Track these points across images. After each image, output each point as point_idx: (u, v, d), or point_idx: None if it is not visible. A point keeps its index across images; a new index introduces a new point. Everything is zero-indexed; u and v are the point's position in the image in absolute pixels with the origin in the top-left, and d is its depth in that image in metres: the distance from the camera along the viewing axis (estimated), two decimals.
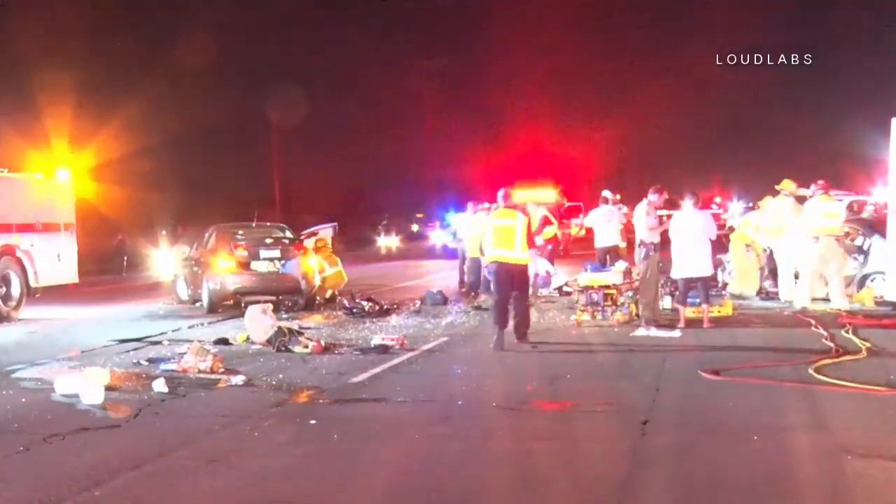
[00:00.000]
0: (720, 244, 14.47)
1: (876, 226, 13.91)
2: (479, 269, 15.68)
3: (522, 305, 10.91)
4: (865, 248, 14.00)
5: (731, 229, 16.75)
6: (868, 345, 9.66)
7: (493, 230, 10.87)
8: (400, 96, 58.07)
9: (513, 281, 10.74)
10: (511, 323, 10.78)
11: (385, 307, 14.83)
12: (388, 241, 49.32)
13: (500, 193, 11.23)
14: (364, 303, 14.81)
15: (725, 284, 15.66)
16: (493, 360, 10.00)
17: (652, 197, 12.32)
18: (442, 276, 20.39)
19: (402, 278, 22.59)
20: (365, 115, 54.45)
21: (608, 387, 8.17)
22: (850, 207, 19.10)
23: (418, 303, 15.52)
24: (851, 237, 14.29)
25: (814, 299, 13.55)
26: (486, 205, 16.02)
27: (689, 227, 11.92)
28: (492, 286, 11.29)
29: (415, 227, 54.52)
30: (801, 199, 14.30)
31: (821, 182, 13.95)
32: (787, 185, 14.56)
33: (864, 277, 13.70)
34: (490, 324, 11.11)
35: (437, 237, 36.06)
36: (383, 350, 10.45)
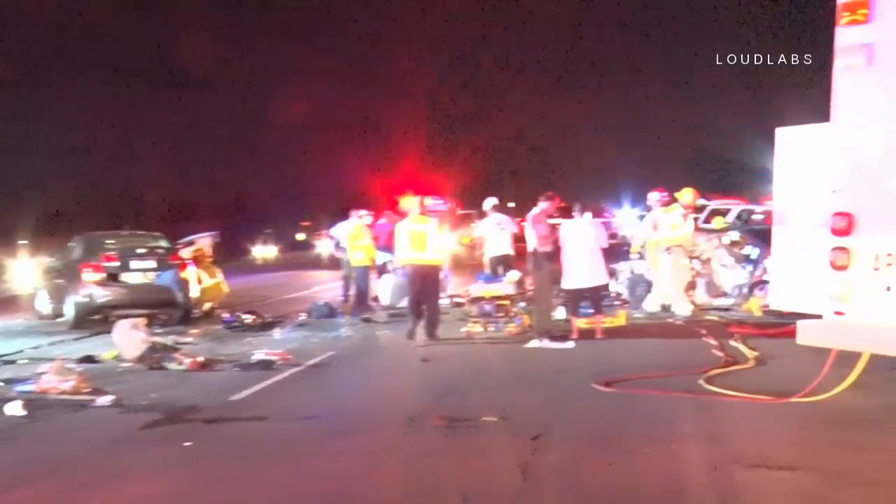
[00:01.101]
0: (613, 253, 14.86)
1: (764, 235, 14.52)
2: (365, 279, 15.62)
3: (434, 304, 12.43)
4: (754, 257, 14.67)
5: (624, 238, 17.25)
6: (756, 354, 10.09)
7: (408, 235, 12.41)
8: (292, 100, 57.56)
9: (425, 280, 12.33)
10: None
11: (268, 320, 14.59)
12: (264, 252, 48.38)
13: (415, 201, 12.74)
14: (245, 316, 14.53)
15: (619, 294, 16.10)
16: (381, 374, 9.96)
17: (543, 204, 12.51)
18: (330, 288, 20.20)
19: (288, 290, 22.28)
20: (252, 118, 53.68)
21: (500, 400, 8.24)
22: (739, 216, 19.92)
23: (304, 315, 15.32)
24: (740, 246, 14.96)
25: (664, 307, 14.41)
26: (363, 212, 16.05)
27: (580, 236, 12.17)
28: (408, 285, 12.84)
29: (301, 236, 53.85)
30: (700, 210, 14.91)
31: (664, 194, 14.83)
32: (683, 196, 14.99)
33: (753, 287, 14.31)
34: (378, 337, 11.64)
35: (324, 246, 35.71)
36: (266, 366, 10.26)
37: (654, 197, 14.94)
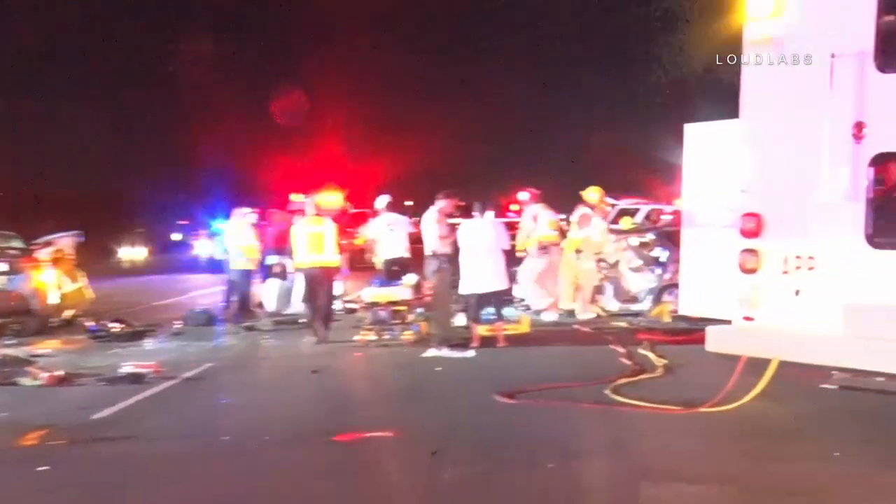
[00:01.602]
0: (515, 256, 15.06)
1: (673, 236, 14.89)
2: (246, 283, 15.36)
3: (328, 305, 13.33)
4: (663, 259, 15.06)
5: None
6: (665, 362, 10.39)
7: (305, 237, 13.11)
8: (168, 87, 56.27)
9: (323, 282, 13.16)
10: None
11: (138, 329, 14.20)
12: (133, 254, 47.06)
13: (310, 200, 13.39)
14: (112, 324, 14.11)
15: (521, 299, 16.31)
16: (266, 387, 9.84)
17: (441, 203, 12.58)
18: (210, 293, 19.82)
19: (161, 295, 21.76)
20: (118, 108, 52.18)
21: (396, 414, 8.25)
22: (647, 216, 20.39)
23: (179, 323, 14.99)
24: (649, 248, 15.36)
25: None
26: (247, 210, 15.82)
27: (480, 237, 12.23)
28: (307, 289, 13.56)
29: (177, 236, 52.58)
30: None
31: (530, 193, 15.41)
32: (588, 195, 15.34)
33: (662, 291, 14.67)
34: (262, 347, 11.88)
35: (202, 248, 34.91)
36: (135, 379, 9.99)
37: (524, 196, 15.38)
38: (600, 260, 15.19)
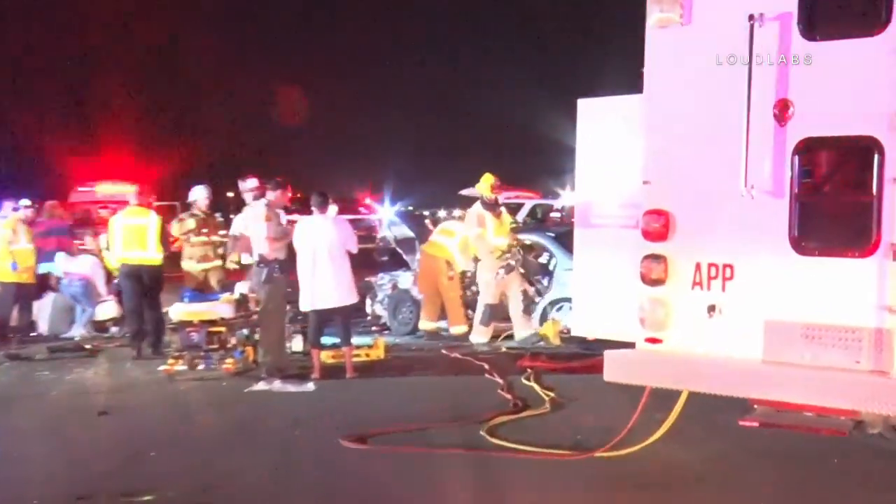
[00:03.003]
0: (370, 262, 15.07)
1: (563, 238, 14.98)
2: (14, 298, 14.90)
3: (157, 313, 13.79)
4: (552, 267, 15.30)
5: (384, 241, 17.53)
6: (552, 395, 10.57)
7: (122, 230, 13.65)
8: None
9: (144, 284, 13.63)
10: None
11: None
12: None
13: (133, 190, 13.87)
14: None
15: (378, 317, 16.32)
16: (40, 434, 9.56)
17: (271, 194, 12.45)
18: None
19: None
20: None
21: (210, 466, 8.13)
22: (532, 213, 20.63)
23: None
24: (534, 253, 15.57)
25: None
26: (27, 202, 15.41)
27: (320, 239, 12.08)
28: (123, 291, 14.12)
29: None
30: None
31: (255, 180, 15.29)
32: (480, 185, 14.86)
33: (549, 305, 14.87)
34: (35, 381, 11.50)
35: None
36: None
37: (248, 185, 14.57)
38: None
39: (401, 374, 12.55)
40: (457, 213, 15.79)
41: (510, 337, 14.76)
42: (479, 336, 14.70)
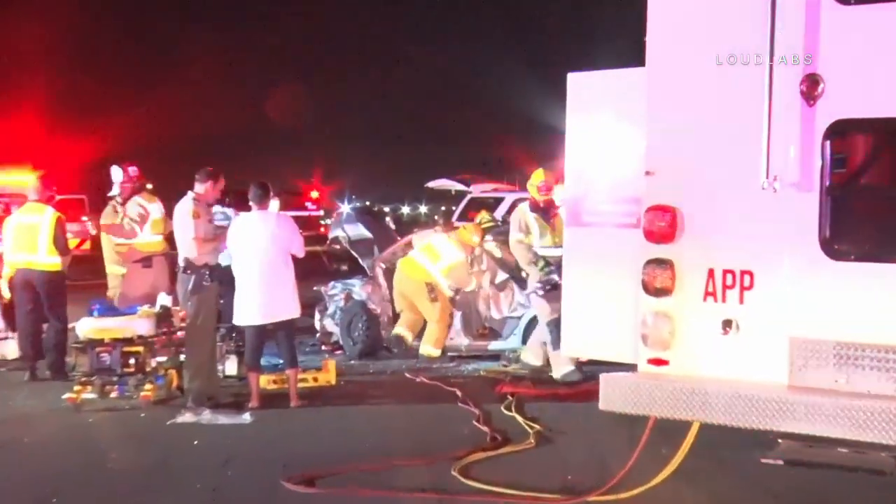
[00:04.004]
0: (320, 268, 15.04)
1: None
2: None
3: (58, 326, 13.90)
4: None
5: (336, 241, 17.50)
6: (538, 428, 10.57)
7: (14, 229, 13.91)
8: None
9: (38, 293, 13.84)
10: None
11: None
12: None
13: (33, 182, 14.15)
14: None
15: (329, 334, 16.26)
16: None
17: (200, 188, 12.36)
18: None
19: None
20: None
21: None
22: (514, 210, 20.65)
23: None
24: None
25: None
26: None
27: (258, 240, 12.07)
28: (15, 301, 14.26)
29: None
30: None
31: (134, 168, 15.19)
32: (531, 183, 14.63)
33: (534, 321, 14.80)
34: None
35: None
36: None
37: (121, 175, 14.47)
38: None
39: (356, 402, 12.54)
40: (423, 209, 15.69)
41: (494, 356, 14.83)
42: (564, 366, 13.54)
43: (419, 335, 15.21)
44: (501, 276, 15.47)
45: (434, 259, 15.32)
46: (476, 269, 15.34)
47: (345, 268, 19.72)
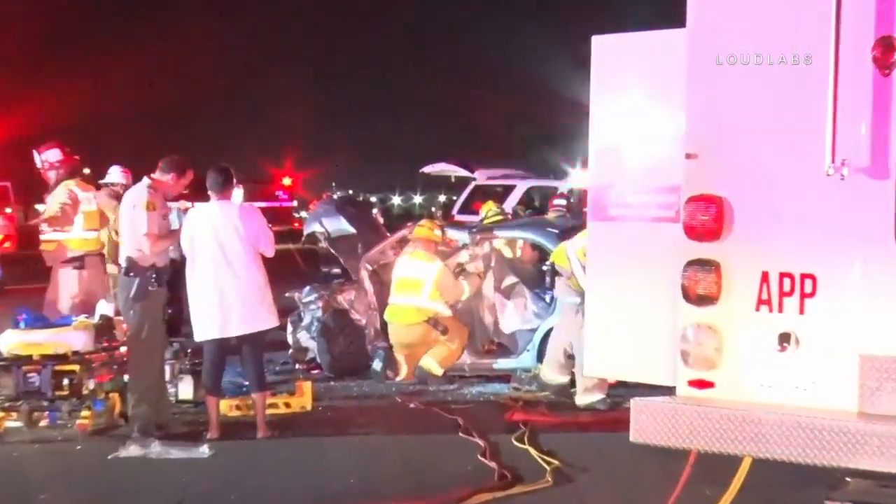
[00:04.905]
0: (292, 269, 15.03)
1: (571, 236, 14.86)
2: None
3: None
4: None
5: (312, 238, 17.50)
6: (555, 463, 10.55)
7: None
8: None
9: None
10: None
11: None
12: None
13: None
14: None
15: (305, 350, 16.22)
16: None
17: (162, 176, 12.34)
18: None
19: None
20: None
21: None
22: (526, 200, 20.72)
23: None
24: (532, 258, 15.58)
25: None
26: None
27: (219, 236, 12.01)
28: None
29: None
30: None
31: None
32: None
33: (550, 333, 14.77)
34: None
35: None
36: None
37: (48, 157, 14.51)
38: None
39: (336, 432, 12.53)
40: (417, 199, 15.73)
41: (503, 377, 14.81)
42: (591, 394, 13.60)
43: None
44: (509, 279, 15.46)
45: (416, 291, 15.22)
46: (463, 272, 15.32)
47: (324, 270, 19.72)
